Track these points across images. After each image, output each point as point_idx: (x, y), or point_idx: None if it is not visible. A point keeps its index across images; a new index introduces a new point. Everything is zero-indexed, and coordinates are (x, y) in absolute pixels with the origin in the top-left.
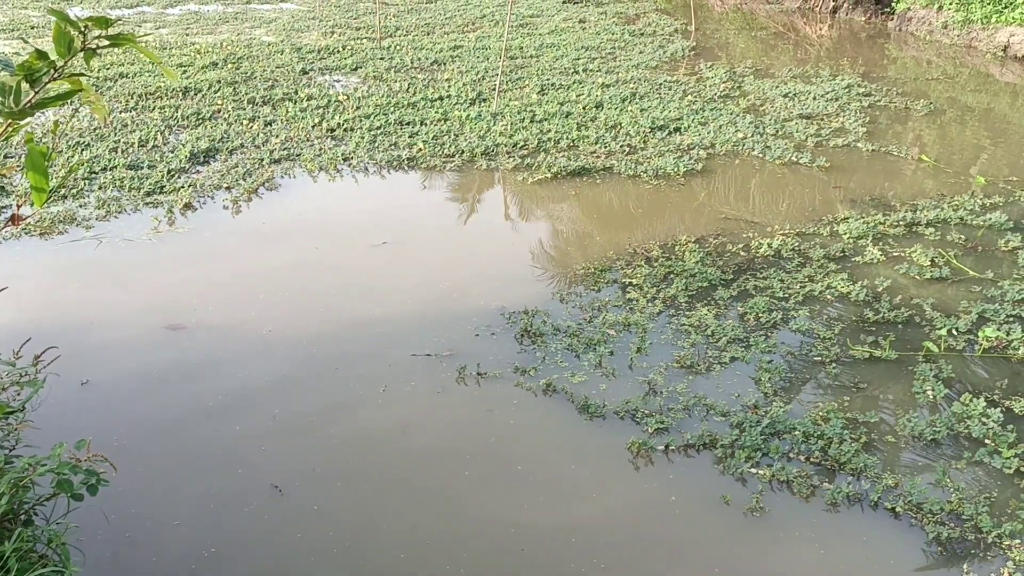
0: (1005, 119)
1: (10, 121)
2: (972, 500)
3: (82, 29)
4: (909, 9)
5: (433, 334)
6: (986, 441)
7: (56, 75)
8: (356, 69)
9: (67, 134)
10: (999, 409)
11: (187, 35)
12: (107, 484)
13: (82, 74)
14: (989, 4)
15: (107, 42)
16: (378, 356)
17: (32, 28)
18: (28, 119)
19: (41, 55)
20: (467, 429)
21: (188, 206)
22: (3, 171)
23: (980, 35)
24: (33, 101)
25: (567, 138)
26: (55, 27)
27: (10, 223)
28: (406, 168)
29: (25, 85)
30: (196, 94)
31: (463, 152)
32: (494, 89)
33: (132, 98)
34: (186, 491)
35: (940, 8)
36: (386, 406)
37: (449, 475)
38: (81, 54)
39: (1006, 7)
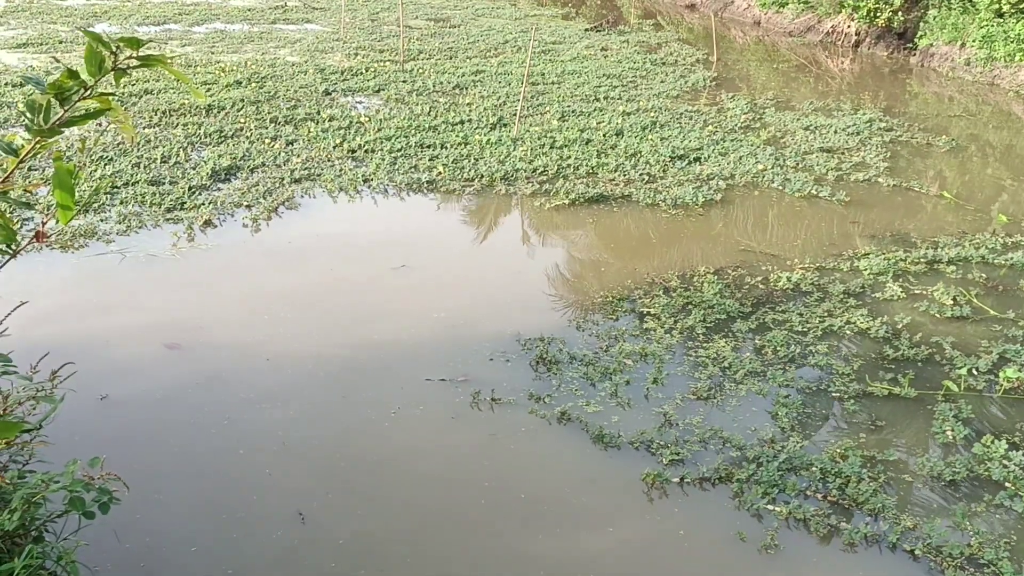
0: None
1: (39, 139)
2: (992, 544)
3: (114, 50)
4: (932, 45)
5: (447, 359)
6: (1006, 484)
7: (86, 94)
8: (378, 91)
9: (91, 148)
10: (1021, 452)
11: (212, 53)
12: (118, 503)
13: (111, 93)
14: (1012, 42)
15: (137, 62)
16: (391, 380)
17: (60, 43)
18: (56, 136)
19: (72, 74)
20: (481, 456)
21: (208, 223)
22: (28, 187)
23: (1003, 73)
24: (63, 119)
25: (586, 165)
26: (87, 47)
27: (35, 240)
28: (425, 191)
29: (55, 103)
30: (219, 112)
31: (482, 176)
32: (515, 114)
33: (156, 114)
34: (199, 515)
35: (963, 45)
36: (397, 431)
37: (464, 503)
38: (111, 74)
39: None
